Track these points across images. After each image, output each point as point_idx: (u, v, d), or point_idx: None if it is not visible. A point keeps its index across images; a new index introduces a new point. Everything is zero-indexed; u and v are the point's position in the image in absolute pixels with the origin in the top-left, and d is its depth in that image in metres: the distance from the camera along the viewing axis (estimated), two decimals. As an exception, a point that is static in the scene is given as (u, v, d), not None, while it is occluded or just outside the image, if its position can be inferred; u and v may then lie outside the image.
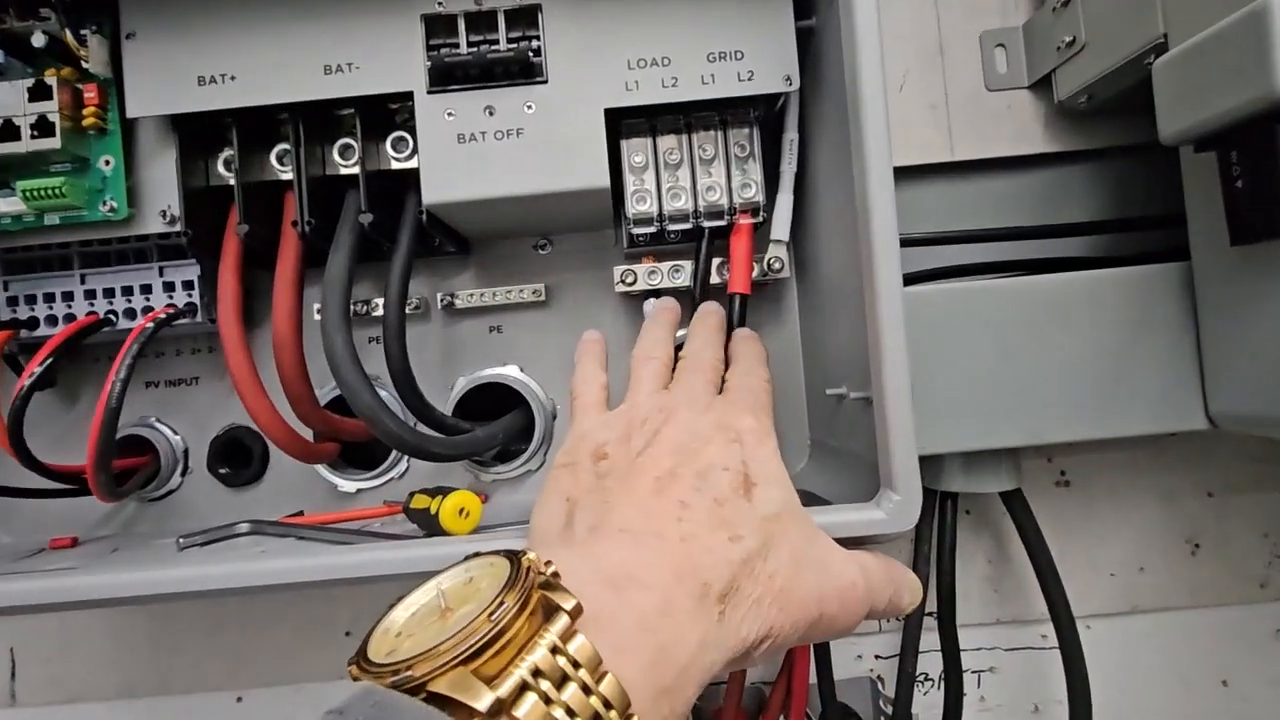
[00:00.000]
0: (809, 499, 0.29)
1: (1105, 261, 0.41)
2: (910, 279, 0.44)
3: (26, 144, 0.28)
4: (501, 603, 0.15)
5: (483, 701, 0.14)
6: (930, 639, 0.45)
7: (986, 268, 0.44)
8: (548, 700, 0.15)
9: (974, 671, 0.50)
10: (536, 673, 0.15)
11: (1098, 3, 0.40)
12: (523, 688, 0.15)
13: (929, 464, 0.43)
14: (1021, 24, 0.46)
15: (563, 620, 0.16)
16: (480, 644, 0.15)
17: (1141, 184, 0.45)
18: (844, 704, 0.46)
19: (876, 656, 0.50)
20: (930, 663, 0.46)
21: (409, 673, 0.15)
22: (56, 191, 0.28)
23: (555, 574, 0.17)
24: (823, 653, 0.44)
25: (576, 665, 0.15)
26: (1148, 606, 0.49)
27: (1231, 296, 0.35)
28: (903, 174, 0.46)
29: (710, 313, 0.31)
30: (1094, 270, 0.39)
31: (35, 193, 0.28)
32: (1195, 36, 0.31)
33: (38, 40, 0.28)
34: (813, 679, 0.44)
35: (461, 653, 0.15)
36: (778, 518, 0.21)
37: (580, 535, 0.21)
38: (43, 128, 0.28)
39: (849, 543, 0.23)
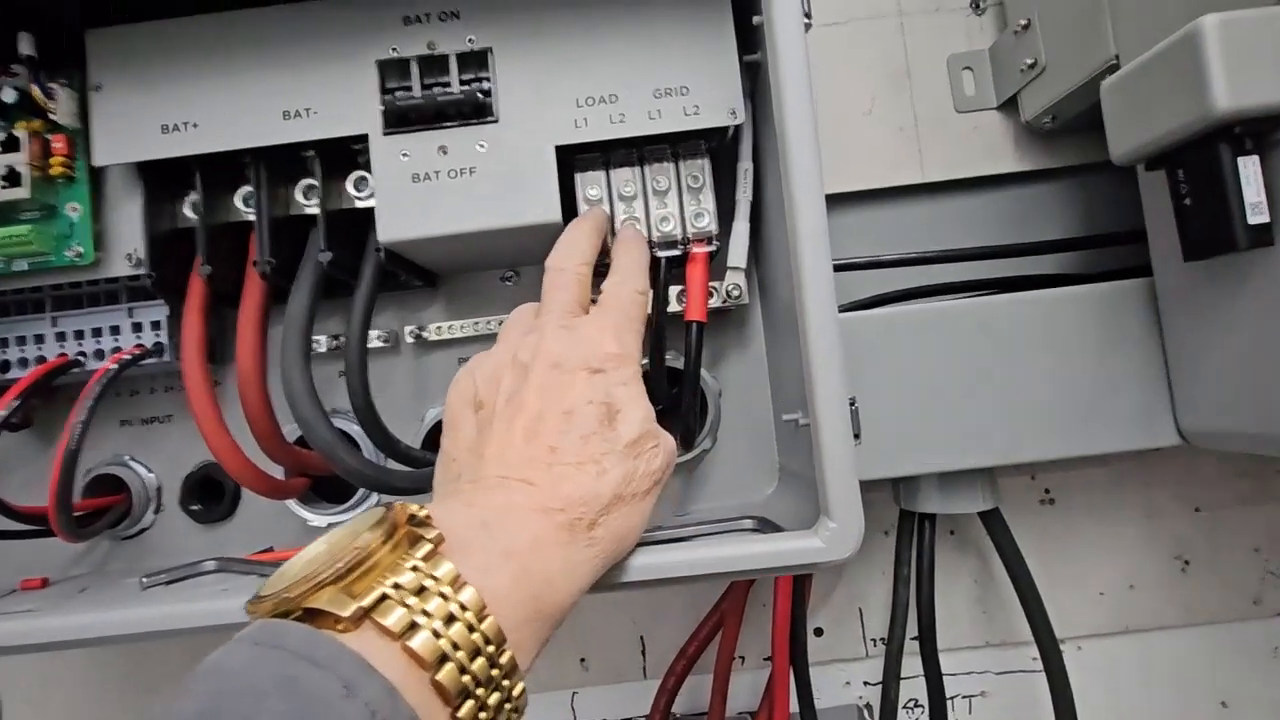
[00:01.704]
0: (765, 526, 0.29)
1: (1075, 279, 0.41)
2: (880, 300, 0.44)
3: (-4, 195, 0.29)
4: (371, 531, 0.18)
5: (347, 610, 0.17)
6: (916, 663, 0.44)
7: (957, 287, 0.44)
8: (407, 606, 0.17)
9: (965, 696, 0.49)
10: (398, 587, 0.18)
11: (1055, 26, 0.40)
12: (383, 598, 0.17)
13: (904, 486, 0.43)
14: (987, 47, 0.47)
15: (425, 547, 0.19)
16: (346, 568, 0.18)
17: (1110, 200, 0.45)
18: (829, 733, 0.45)
19: (865, 683, 0.49)
20: (920, 688, 0.45)
21: (286, 594, 0.18)
22: (23, 239, 0.29)
23: (427, 516, 0.20)
24: (803, 681, 0.43)
25: (436, 579, 0.18)
26: (1140, 626, 0.48)
27: (1192, 312, 0.35)
28: (873, 196, 0.47)
29: (585, 217, 0.31)
30: (1060, 288, 0.40)
31: (5, 241, 0.29)
32: (1138, 59, 0.31)
33: (7, 96, 0.29)
34: (795, 708, 0.44)
35: (329, 575, 0.18)
36: (638, 440, 0.24)
37: (463, 490, 0.23)
38: (11, 178, 0.29)
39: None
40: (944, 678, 0.43)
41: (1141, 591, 0.48)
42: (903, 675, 0.44)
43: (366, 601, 0.17)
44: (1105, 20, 0.36)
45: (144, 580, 0.30)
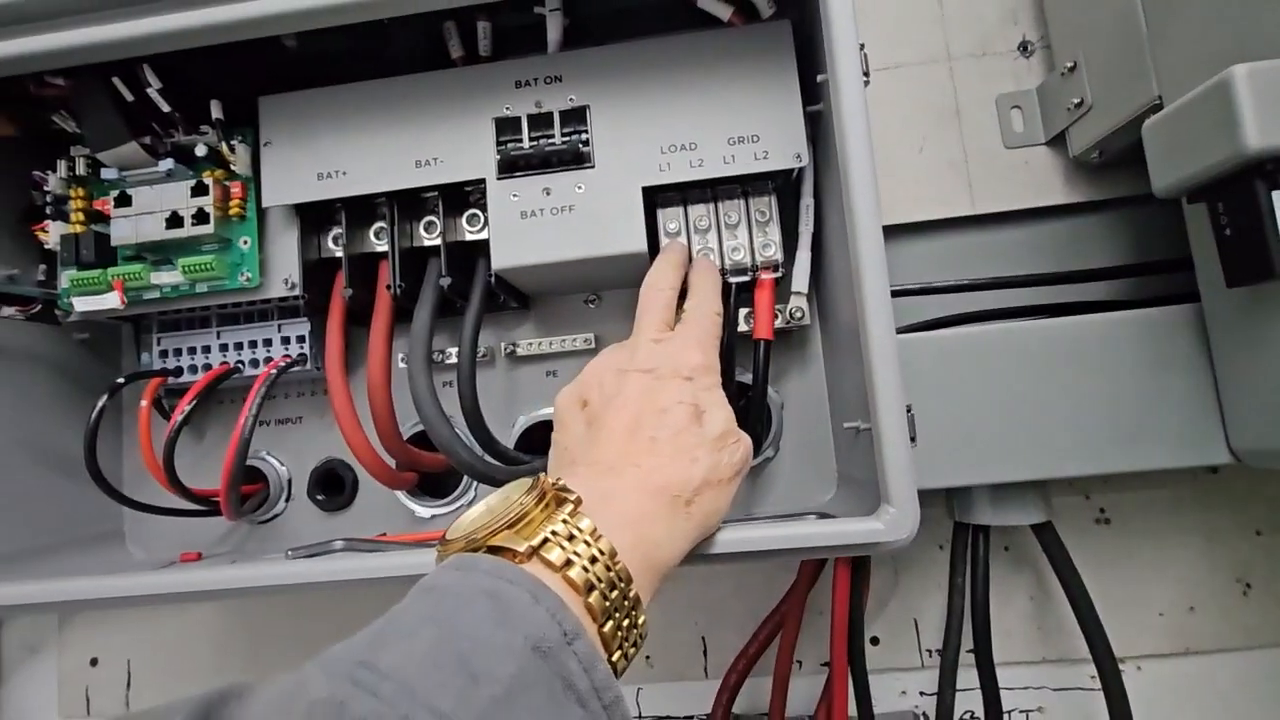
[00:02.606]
0: (824, 519, 0.32)
1: (1123, 305, 0.43)
2: (936, 324, 0.47)
3: (188, 230, 0.36)
4: (526, 495, 0.24)
5: (523, 546, 0.22)
6: (972, 676, 0.45)
7: (1010, 312, 0.46)
8: (563, 548, 0.22)
9: (1021, 711, 0.50)
10: (554, 534, 0.23)
11: (1100, 68, 0.43)
12: (545, 541, 0.23)
13: (958, 498, 0.45)
14: (1035, 87, 0.49)
15: (569, 507, 0.24)
16: (514, 518, 0.23)
17: (1156, 230, 0.47)
18: (885, 737, 0.47)
19: (920, 693, 0.51)
20: (976, 701, 0.47)
21: (473, 535, 0.23)
22: (208, 266, 0.36)
23: (564, 486, 0.25)
24: (862, 684, 0.45)
25: (581, 530, 0.23)
26: (1201, 648, 0.48)
27: (1240, 335, 0.37)
28: (927, 227, 0.50)
29: (671, 249, 0.35)
30: (1111, 312, 0.42)
31: (192, 267, 0.36)
32: (1175, 102, 0.34)
33: (200, 151, 0.36)
34: (853, 711, 0.46)
35: (504, 523, 0.23)
36: (722, 435, 0.28)
37: (580, 470, 0.27)
38: (200, 217, 0.36)
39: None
40: (1001, 691, 0.45)
41: (1202, 614, 0.48)
42: (959, 687, 0.45)
43: (535, 541, 0.22)
44: (1148, 63, 0.39)
45: (289, 553, 0.35)
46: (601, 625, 0.22)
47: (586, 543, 0.23)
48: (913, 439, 0.28)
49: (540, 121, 0.35)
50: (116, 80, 0.34)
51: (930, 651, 0.50)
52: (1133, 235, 0.48)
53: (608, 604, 0.22)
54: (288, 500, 0.43)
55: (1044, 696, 0.50)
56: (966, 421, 0.41)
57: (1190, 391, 0.39)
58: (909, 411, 0.28)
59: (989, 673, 0.44)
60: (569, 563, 0.22)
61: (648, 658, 0.52)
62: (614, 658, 0.23)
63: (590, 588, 0.22)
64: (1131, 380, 0.40)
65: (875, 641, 0.51)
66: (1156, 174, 0.36)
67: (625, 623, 0.23)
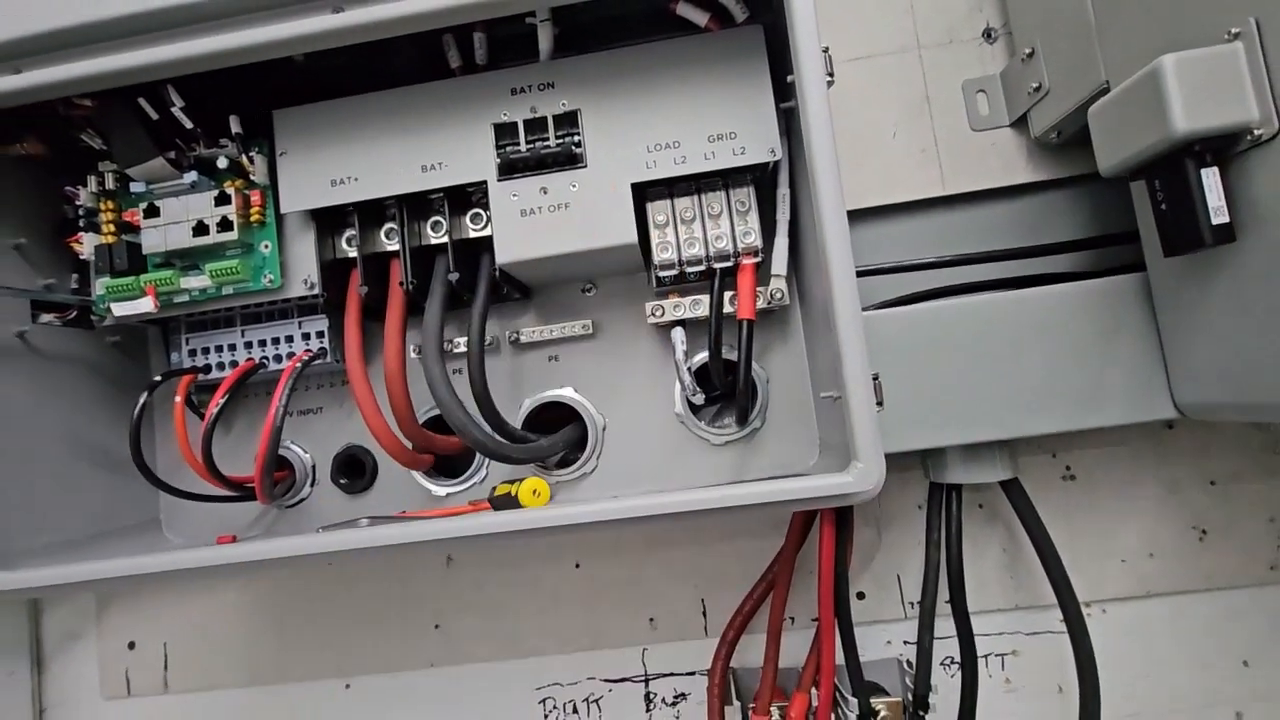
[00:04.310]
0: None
1: (1082, 276, 0.47)
2: (908, 299, 0.50)
3: (213, 238, 0.38)
4: None
5: None
6: (951, 624, 0.49)
7: (977, 286, 0.50)
8: None
9: (997, 655, 0.54)
10: None
11: (1055, 55, 0.46)
12: None
13: (933, 460, 0.49)
14: (999, 72, 0.53)
15: None
16: None
17: (1114, 205, 0.50)
18: (872, 681, 0.51)
19: (905, 642, 0.55)
20: (956, 647, 0.50)
21: None
22: (233, 270, 0.39)
23: None
24: (848, 633, 0.49)
25: None
26: (1161, 590, 0.52)
27: (1178, 301, 0.40)
28: (901, 209, 0.53)
29: None
30: (1065, 284, 0.45)
31: (218, 272, 0.39)
32: (1114, 90, 0.37)
33: (221, 163, 0.39)
34: (840, 660, 0.50)
35: None
36: None
37: None
38: (224, 225, 0.39)
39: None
40: (977, 637, 0.49)
41: (1161, 560, 0.52)
42: (939, 635, 0.49)
43: None
44: (1095, 49, 0.42)
45: (321, 530, 0.38)
46: None
47: None
48: (880, 404, 0.31)
49: (535, 126, 0.38)
50: (142, 100, 0.37)
51: (913, 604, 0.54)
52: (1092, 210, 0.51)
53: None
54: (313, 485, 0.46)
55: (1017, 640, 0.54)
56: (938, 388, 0.45)
57: (1139, 353, 0.43)
58: (876, 379, 0.31)
59: (964, 617, 0.48)
60: None
61: (651, 620, 0.56)
62: None
63: None
64: (1088, 345, 0.44)
65: (861, 596, 0.54)
66: (1101, 155, 0.39)
67: None
